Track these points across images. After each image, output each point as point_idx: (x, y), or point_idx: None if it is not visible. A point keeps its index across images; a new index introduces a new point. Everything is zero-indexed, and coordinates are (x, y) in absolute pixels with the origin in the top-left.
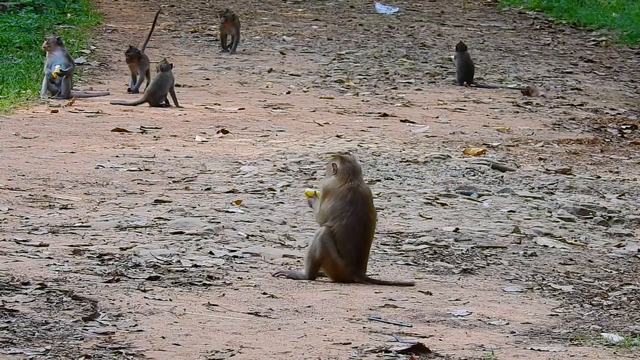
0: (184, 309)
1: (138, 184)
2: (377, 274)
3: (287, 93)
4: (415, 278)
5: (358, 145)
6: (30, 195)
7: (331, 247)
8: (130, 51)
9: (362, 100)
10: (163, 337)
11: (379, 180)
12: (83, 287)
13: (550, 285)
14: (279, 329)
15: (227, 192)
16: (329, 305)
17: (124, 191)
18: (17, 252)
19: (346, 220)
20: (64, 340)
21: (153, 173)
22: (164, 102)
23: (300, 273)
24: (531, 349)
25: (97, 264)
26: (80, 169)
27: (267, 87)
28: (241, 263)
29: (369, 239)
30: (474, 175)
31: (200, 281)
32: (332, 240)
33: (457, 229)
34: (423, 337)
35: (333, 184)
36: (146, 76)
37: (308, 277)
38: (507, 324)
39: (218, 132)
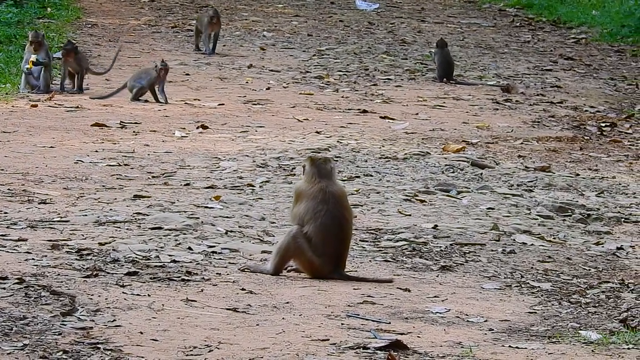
0: (162, 305)
1: (117, 179)
2: (356, 271)
3: (266, 89)
4: (394, 275)
5: (337, 141)
6: (9, 189)
7: (305, 246)
8: (68, 45)
9: (342, 97)
10: (141, 333)
11: (358, 177)
12: (61, 282)
13: (528, 283)
14: (257, 325)
15: (207, 188)
16: (308, 302)
17: (103, 186)
18: None
19: (320, 220)
20: (42, 335)
21: (132, 168)
22: (153, 97)
23: (265, 268)
24: (509, 346)
25: (76, 259)
26: (60, 164)
27: (247, 82)
28: (220, 259)
29: (346, 237)
30: (453, 172)
31: (179, 277)
32: (305, 239)
33: (436, 225)
34: (401, 334)
35: (303, 186)
36: (85, 73)
37: (272, 272)
38: (486, 321)
39: (198, 128)
